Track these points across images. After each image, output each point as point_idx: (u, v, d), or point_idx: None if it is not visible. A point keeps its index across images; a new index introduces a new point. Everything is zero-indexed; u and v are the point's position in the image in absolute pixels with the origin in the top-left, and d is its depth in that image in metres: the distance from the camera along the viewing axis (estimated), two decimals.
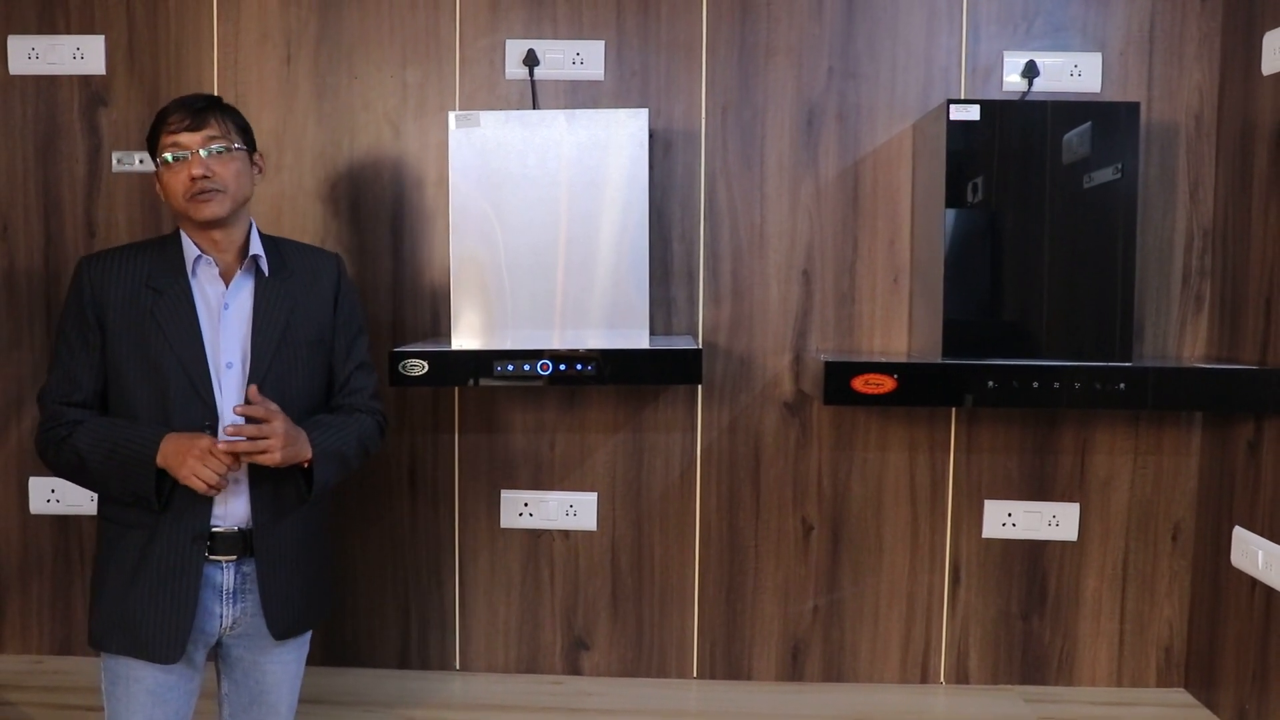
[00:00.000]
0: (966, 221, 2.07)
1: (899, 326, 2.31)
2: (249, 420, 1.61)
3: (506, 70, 2.31)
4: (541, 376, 2.00)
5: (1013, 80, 2.25)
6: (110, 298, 1.67)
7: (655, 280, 2.29)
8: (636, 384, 2.31)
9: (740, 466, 2.35)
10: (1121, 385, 1.98)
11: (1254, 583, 2.05)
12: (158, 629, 1.65)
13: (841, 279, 2.31)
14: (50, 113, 2.36)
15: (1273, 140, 2.02)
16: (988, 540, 2.33)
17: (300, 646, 1.83)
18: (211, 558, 1.67)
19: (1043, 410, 2.29)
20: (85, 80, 2.35)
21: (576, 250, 2.07)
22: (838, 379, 1.99)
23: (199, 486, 1.58)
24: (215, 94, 1.77)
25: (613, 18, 2.30)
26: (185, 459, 1.58)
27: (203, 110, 1.69)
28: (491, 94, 2.32)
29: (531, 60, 2.27)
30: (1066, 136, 2.04)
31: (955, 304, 2.07)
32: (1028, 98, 2.24)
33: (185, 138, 1.67)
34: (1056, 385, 1.98)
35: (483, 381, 2.02)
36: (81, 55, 2.34)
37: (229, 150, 1.69)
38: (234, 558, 1.69)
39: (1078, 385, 1.98)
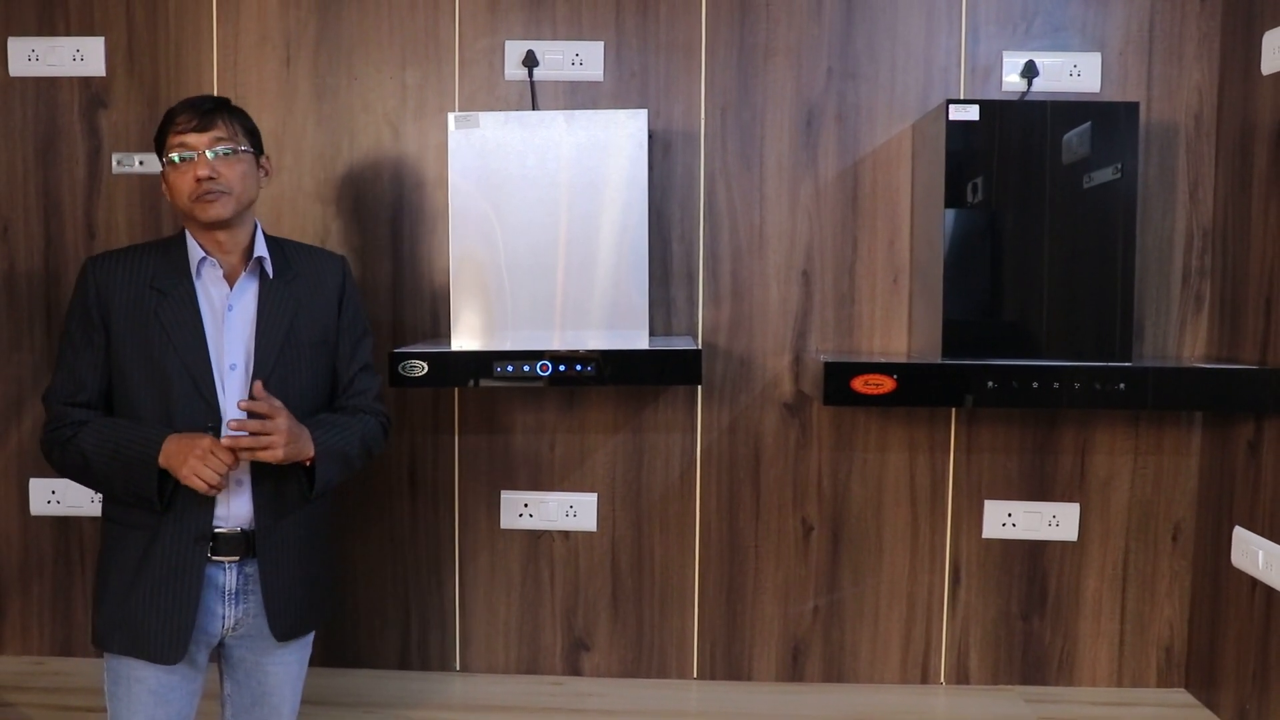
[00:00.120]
0: (966, 222, 2.07)
1: (899, 327, 2.31)
2: (252, 416, 1.61)
3: (506, 71, 2.31)
4: (541, 377, 2.00)
5: (1012, 80, 2.25)
6: (115, 298, 1.68)
7: (655, 281, 2.29)
8: (636, 385, 2.31)
9: (740, 467, 2.35)
10: (1121, 385, 1.98)
11: (1254, 583, 2.05)
12: (159, 629, 1.65)
13: (841, 279, 2.31)
14: (50, 114, 2.36)
15: (1272, 140, 2.02)
16: (988, 540, 2.33)
17: (303, 647, 1.83)
18: (214, 558, 1.68)
19: (1043, 410, 2.29)
20: (85, 82, 2.35)
21: (576, 251, 2.07)
22: (837, 379, 1.99)
23: (199, 486, 1.58)
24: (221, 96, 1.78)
25: (612, 19, 2.30)
26: (186, 458, 1.58)
27: (211, 111, 1.69)
28: (491, 95, 2.32)
29: (531, 61, 2.28)
30: (1066, 136, 2.04)
31: (955, 304, 2.07)
32: (1027, 98, 2.23)
33: (192, 138, 1.67)
34: (1056, 385, 1.98)
35: (483, 382, 2.02)
36: (81, 57, 2.34)
37: (235, 152, 1.69)
38: (236, 558, 1.69)
39: (1078, 385, 1.98)
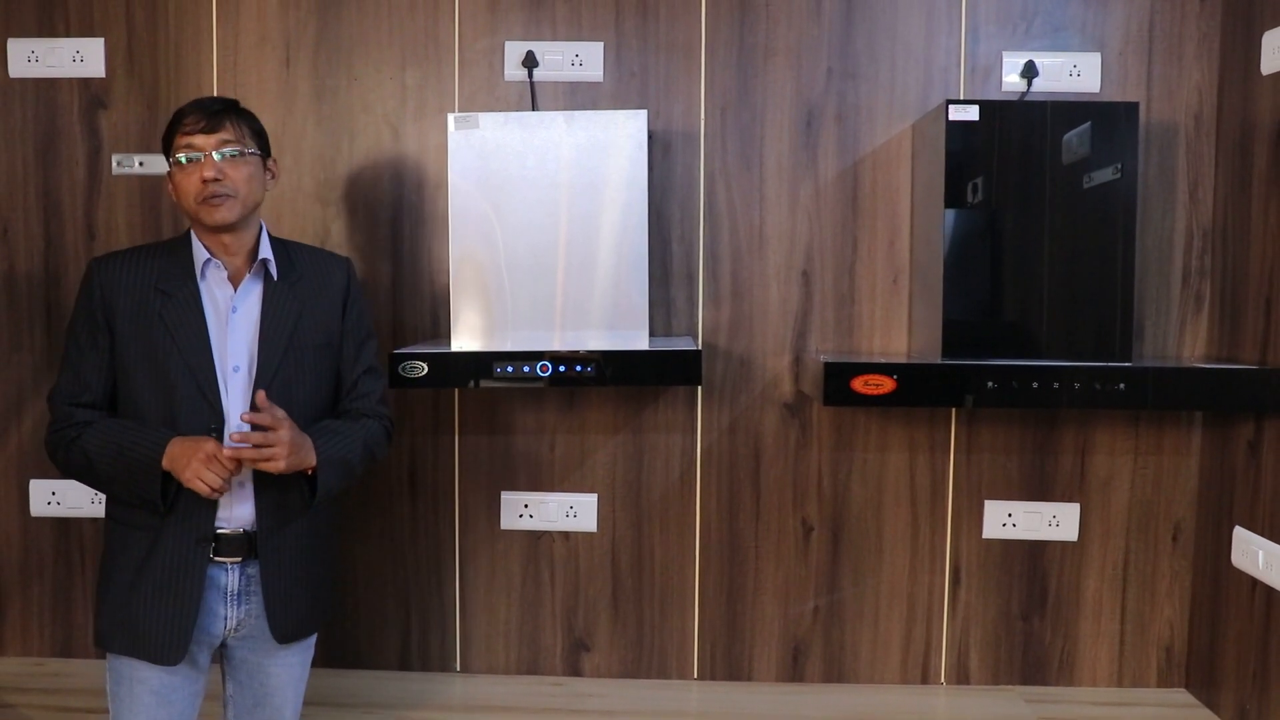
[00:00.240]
0: (966, 222, 2.07)
1: (899, 327, 2.31)
2: (255, 428, 1.61)
3: (505, 72, 2.31)
4: (541, 378, 2.00)
5: (1012, 80, 2.25)
6: (120, 300, 1.68)
7: (655, 281, 2.29)
8: (636, 385, 2.31)
9: (740, 467, 2.35)
10: (1121, 385, 1.98)
11: (1254, 582, 2.05)
12: (160, 630, 1.65)
13: (841, 280, 2.31)
14: (50, 115, 2.36)
15: (1272, 140, 2.02)
16: (988, 541, 2.33)
17: (305, 649, 1.83)
18: (216, 559, 1.68)
19: (1043, 410, 2.29)
20: (85, 83, 2.35)
21: (576, 251, 2.07)
22: (837, 380, 1.99)
23: (202, 490, 1.59)
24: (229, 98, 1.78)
25: (611, 19, 2.30)
26: (189, 462, 1.58)
27: (219, 113, 1.69)
28: (491, 95, 2.32)
29: (530, 62, 2.28)
30: (1066, 136, 2.04)
31: (955, 304, 2.07)
32: (1027, 98, 2.23)
33: (200, 139, 1.67)
34: (1056, 385, 1.98)
35: (483, 383, 2.02)
36: (81, 58, 2.34)
37: (243, 154, 1.70)
38: (239, 559, 1.69)
39: (1078, 385, 1.98)
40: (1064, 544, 2.32)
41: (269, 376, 1.69)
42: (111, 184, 2.36)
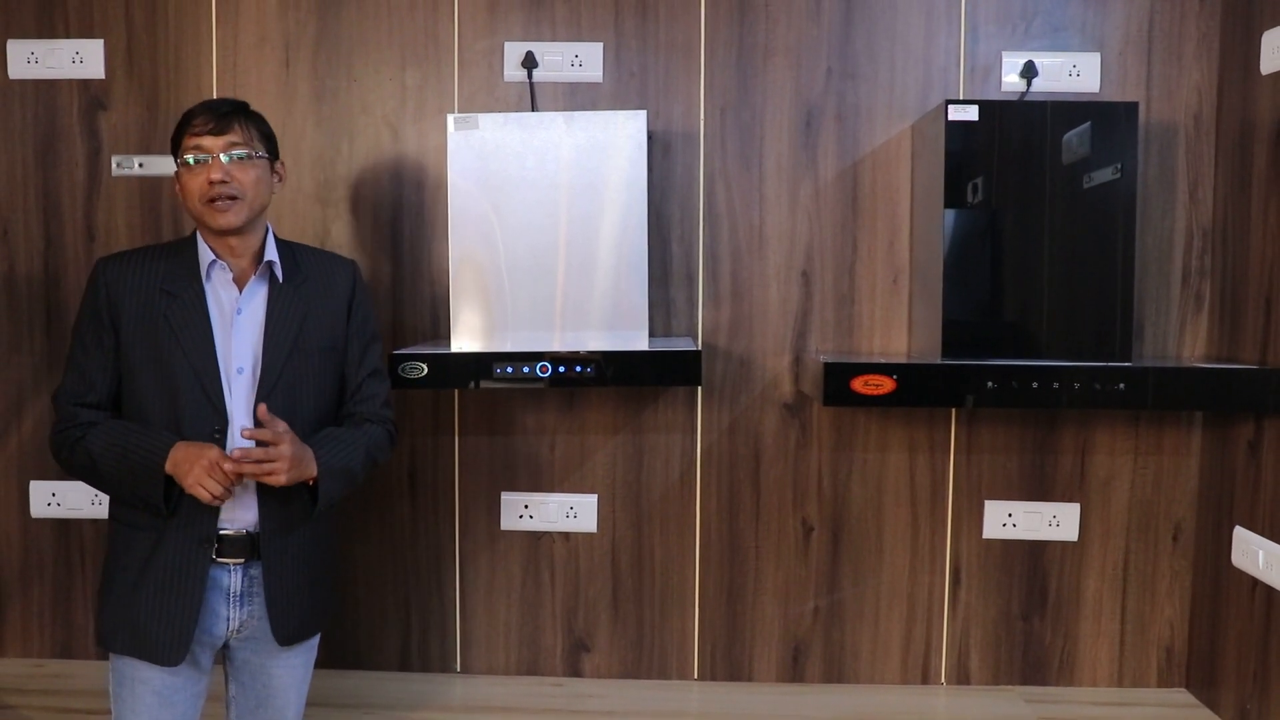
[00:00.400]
0: (966, 222, 2.07)
1: (899, 327, 2.31)
2: (257, 443, 1.61)
3: (505, 72, 2.31)
4: (541, 379, 2.00)
5: (1011, 80, 2.25)
6: (125, 300, 1.68)
7: (655, 282, 2.29)
8: (636, 386, 2.31)
9: (740, 468, 2.35)
10: (1121, 385, 1.98)
11: (1255, 582, 2.05)
12: (162, 630, 1.65)
13: (841, 280, 2.31)
14: (50, 116, 2.36)
15: (1272, 140, 2.02)
16: (988, 541, 2.33)
17: (308, 651, 1.83)
18: (219, 560, 1.68)
19: (1043, 410, 2.29)
20: (84, 84, 2.35)
21: (576, 252, 2.07)
22: (837, 380, 1.99)
23: (203, 496, 1.59)
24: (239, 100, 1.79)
25: (611, 20, 2.30)
26: (192, 468, 1.58)
27: (228, 115, 1.69)
28: (490, 96, 2.32)
29: (530, 62, 2.28)
30: (1066, 136, 2.04)
31: (955, 304, 2.07)
32: (1026, 98, 2.23)
33: (208, 141, 1.67)
34: (1056, 385, 1.98)
35: (483, 384, 2.02)
36: (80, 59, 2.34)
37: (250, 157, 1.70)
38: (241, 561, 1.69)
39: (1077, 385, 1.98)
40: (1064, 544, 2.32)
41: (273, 378, 1.69)
42: (111, 185, 2.36)
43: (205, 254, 1.71)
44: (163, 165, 2.33)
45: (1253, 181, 2.08)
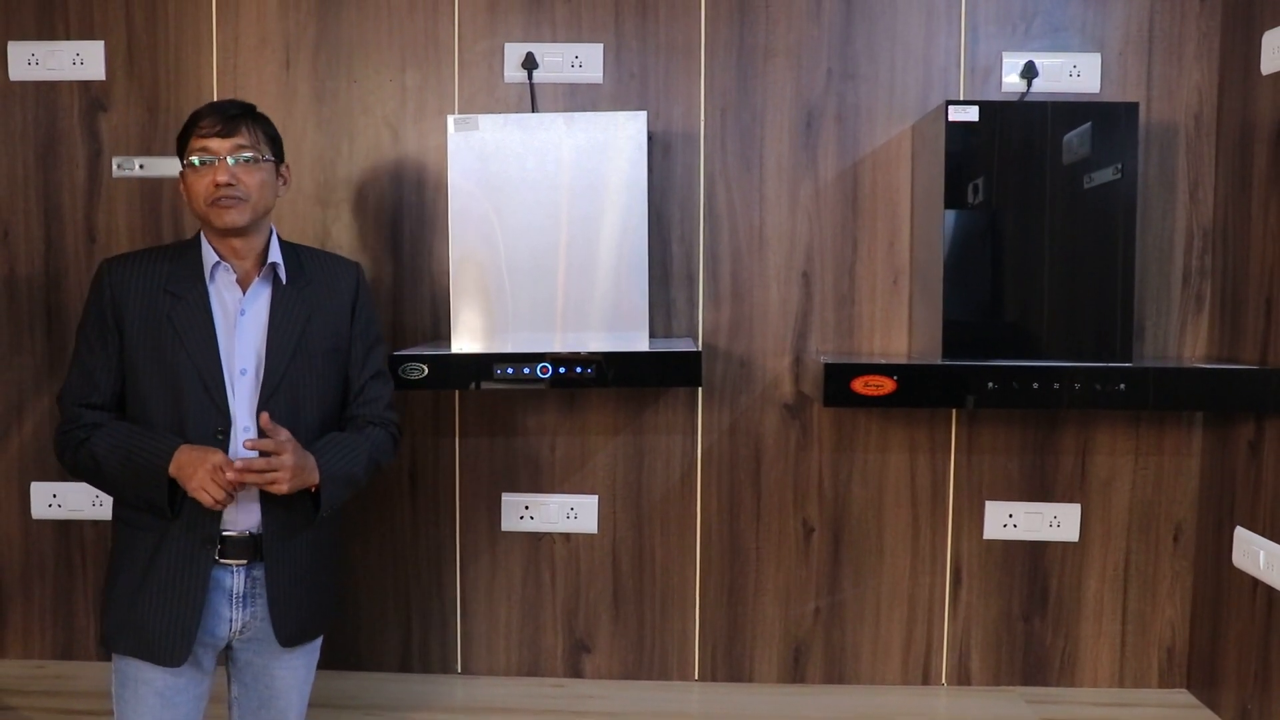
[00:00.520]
0: (966, 222, 2.07)
1: (899, 328, 2.31)
2: (260, 453, 1.62)
3: (505, 73, 2.31)
4: (542, 379, 2.00)
5: (1011, 81, 2.25)
6: (129, 301, 1.69)
7: (655, 282, 2.29)
8: (637, 387, 2.31)
9: (741, 468, 2.35)
10: (1122, 385, 1.98)
11: (1255, 583, 2.04)
12: (164, 631, 1.65)
13: (841, 280, 2.31)
14: (50, 118, 2.36)
15: (1272, 140, 2.02)
16: (989, 541, 2.33)
17: (310, 652, 1.83)
18: (222, 561, 1.68)
19: (1043, 411, 2.29)
20: (85, 86, 2.35)
21: (576, 253, 2.07)
22: (838, 380, 1.99)
23: (205, 501, 1.59)
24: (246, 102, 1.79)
25: (611, 20, 2.30)
26: (195, 472, 1.59)
27: (236, 117, 1.70)
28: (490, 97, 2.32)
29: (530, 63, 2.28)
30: (1066, 137, 2.04)
31: (955, 305, 2.07)
32: (1027, 98, 2.23)
33: (215, 143, 1.67)
34: (1057, 386, 1.98)
35: (483, 385, 2.02)
36: (81, 61, 2.34)
37: (257, 161, 1.70)
38: (244, 562, 1.69)
39: (1078, 386, 1.98)
40: (1065, 544, 2.32)
41: (276, 380, 1.69)
42: (112, 187, 2.36)
43: (209, 255, 1.71)
44: (163, 167, 2.34)
45: (1253, 182, 2.08)
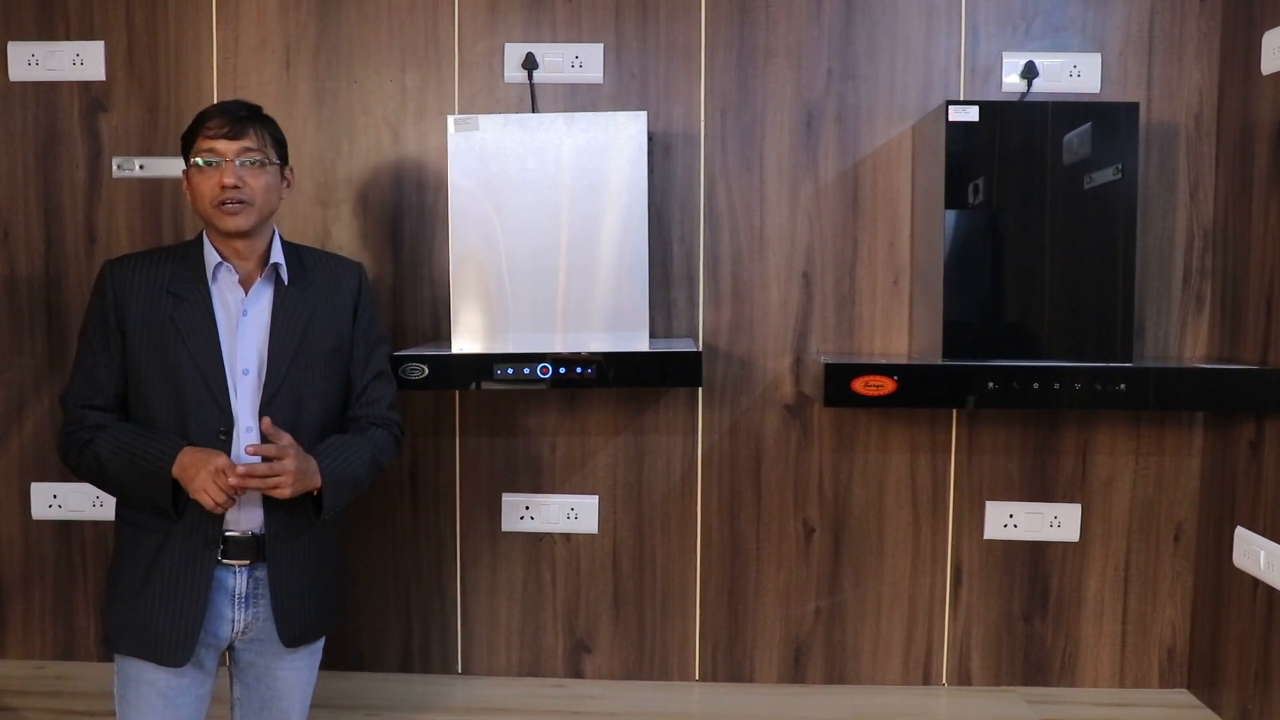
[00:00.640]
0: (966, 222, 2.07)
1: (899, 328, 2.31)
2: (262, 458, 1.62)
3: (505, 74, 2.31)
4: (542, 380, 2.00)
5: (1012, 81, 2.25)
6: (131, 302, 1.69)
7: (655, 283, 2.29)
8: (637, 387, 2.31)
9: (741, 469, 2.35)
10: (1122, 386, 1.98)
11: (1256, 583, 2.04)
12: (166, 631, 1.65)
13: (841, 281, 2.31)
14: (50, 118, 2.36)
15: (1273, 140, 2.02)
16: (989, 541, 2.33)
17: (313, 654, 1.83)
18: (225, 561, 1.68)
19: (1044, 411, 2.29)
20: (85, 86, 2.35)
21: (576, 253, 2.07)
22: (838, 381, 1.99)
23: (207, 503, 1.60)
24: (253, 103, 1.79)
25: (611, 21, 2.30)
26: (198, 473, 1.59)
27: (243, 120, 1.70)
28: (490, 97, 2.32)
29: (530, 64, 2.28)
30: (1066, 137, 2.04)
31: (955, 305, 2.07)
32: (1027, 98, 2.23)
33: (221, 145, 1.68)
34: (1057, 386, 1.98)
35: (483, 385, 2.02)
36: (81, 61, 2.34)
37: (263, 164, 1.70)
38: (247, 562, 1.69)
39: (1078, 386, 1.98)
40: (1065, 545, 2.32)
41: (278, 380, 1.69)
42: (112, 187, 2.36)
43: (211, 256, 1.72)
44: (163, 167, 2.34)
45: (1253, 182, 2.08)
